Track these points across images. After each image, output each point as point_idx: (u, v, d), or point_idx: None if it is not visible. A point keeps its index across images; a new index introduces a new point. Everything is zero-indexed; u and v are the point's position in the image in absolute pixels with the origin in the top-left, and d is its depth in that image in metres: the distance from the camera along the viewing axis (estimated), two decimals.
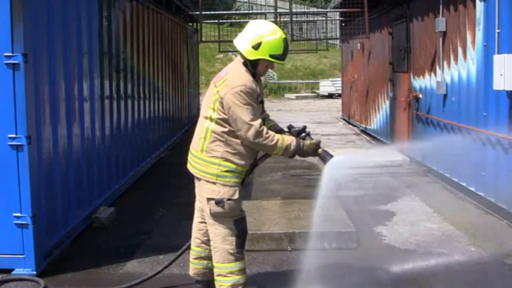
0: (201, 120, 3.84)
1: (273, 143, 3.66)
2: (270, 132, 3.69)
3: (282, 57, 3.70)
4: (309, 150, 3.78)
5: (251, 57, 3.68)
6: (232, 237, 3.75)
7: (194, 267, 4.09)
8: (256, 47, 3.63)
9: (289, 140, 3.72)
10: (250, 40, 3.66)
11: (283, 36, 3.70)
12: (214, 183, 3.71)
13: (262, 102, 3.83)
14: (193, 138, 3.89)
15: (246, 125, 3.58)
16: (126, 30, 7.69)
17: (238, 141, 3.70)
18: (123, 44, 7.49)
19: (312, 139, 3.84)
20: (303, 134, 3.85)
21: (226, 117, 3.66)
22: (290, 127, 3.91)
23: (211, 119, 3.72)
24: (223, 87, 3.64)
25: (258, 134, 3.59)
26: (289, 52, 3.99)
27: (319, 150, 3.82)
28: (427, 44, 8.34)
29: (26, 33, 4.36)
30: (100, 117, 6.39)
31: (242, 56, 3.74)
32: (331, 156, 3.81)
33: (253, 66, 3.72)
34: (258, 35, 3.65)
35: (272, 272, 4.66)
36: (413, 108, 9.07)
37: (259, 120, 3.64)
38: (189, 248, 4.15)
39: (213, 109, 3.71)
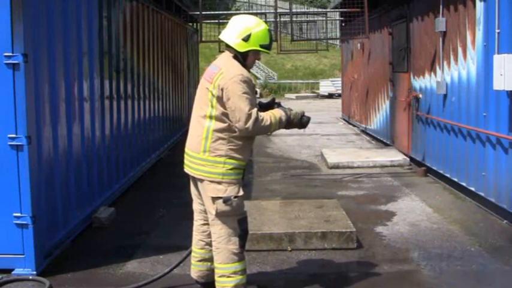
0: (197, 120, 3.81)
1: (268, 122, 3.75)
2: (261, 114, 3.76)
3: (269, 46, 3.86)
4: (295, 119, 3.93)
5: (242, 50, 3.77)
6: (235, 237, 3.76)
7: (198, 270, 4.07)
8: (246, 39, 3.74)
9: (277, 112, 3.85)
10: (238, 33, 3.76)
11: (267, 27, 3.85)
12: (219, 182, 3.70)
13: (256, 93, 3.89)
14: (188, 139, 3.88)
15: (245, 115, 3.63)
16: (126, 30, 7.69)
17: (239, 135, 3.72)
18: (123, 44, 7.48)
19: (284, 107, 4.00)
20: (276, 105, 4.00)
21: (226, 111, 3.67)
22: (260, 103, 3.99)
23: (210, 117, 3.71)
24: (221, 80, 3.68)
25: (256, 121, 3.66)
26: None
27: (305, 118, 4.00)
28: (427, 44, 8.34)
29: (26, 33, 4.36)
30: (100, 117, 6.39)
31: (232, 50, 3.81)
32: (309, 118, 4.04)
33: (243, 58, 3.81)
34: (246, 27, 3.76)
35: (272, 272, 4.66)
36: (413, 108, 9.07)
37: (256, 109, 3.70)
38: (191, 253, 4.16)
39: (212, 106, 3.71)
